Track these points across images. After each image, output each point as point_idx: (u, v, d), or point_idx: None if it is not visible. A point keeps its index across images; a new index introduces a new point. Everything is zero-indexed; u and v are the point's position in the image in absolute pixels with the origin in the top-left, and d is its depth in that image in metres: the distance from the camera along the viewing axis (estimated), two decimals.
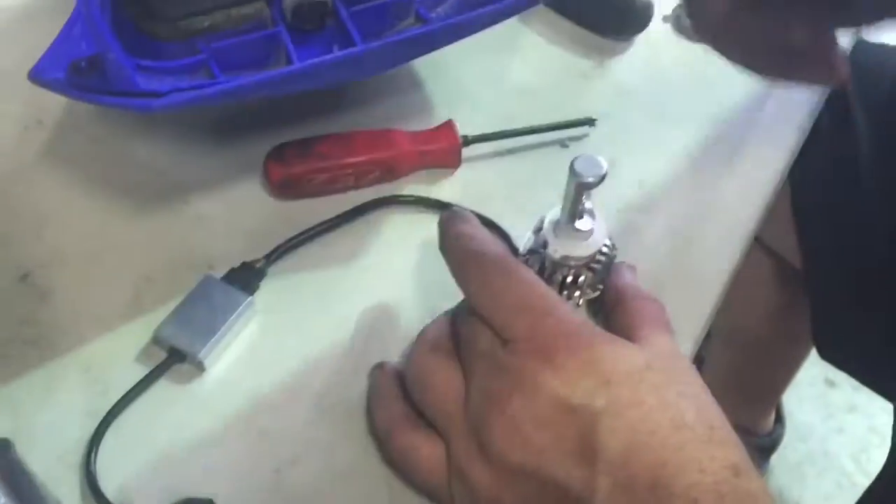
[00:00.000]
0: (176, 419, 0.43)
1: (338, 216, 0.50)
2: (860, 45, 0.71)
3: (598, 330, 0.37)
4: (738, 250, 0.52)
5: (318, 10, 0.51)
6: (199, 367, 0.44)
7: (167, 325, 0.45)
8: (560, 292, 0.44)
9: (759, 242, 0.86)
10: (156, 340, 0.45)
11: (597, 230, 0.43)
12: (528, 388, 0.34)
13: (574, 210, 0.42)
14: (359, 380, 0.44)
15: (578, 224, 0.43)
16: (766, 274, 0.92)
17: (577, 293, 0.44)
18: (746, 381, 1.18)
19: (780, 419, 1.27)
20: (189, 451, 0.42)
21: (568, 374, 0.34)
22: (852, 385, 1.43)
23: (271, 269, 0.48)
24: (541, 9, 0.57)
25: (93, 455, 0.41)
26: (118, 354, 0.45)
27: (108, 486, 0.40)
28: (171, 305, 0.46)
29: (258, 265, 0.48)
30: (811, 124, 0.59)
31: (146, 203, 0.50)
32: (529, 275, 0.38)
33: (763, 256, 0.89)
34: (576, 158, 0.40)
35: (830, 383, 1.45)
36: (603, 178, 0.40)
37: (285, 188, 0.50)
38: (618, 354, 0.35)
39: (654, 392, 0.34)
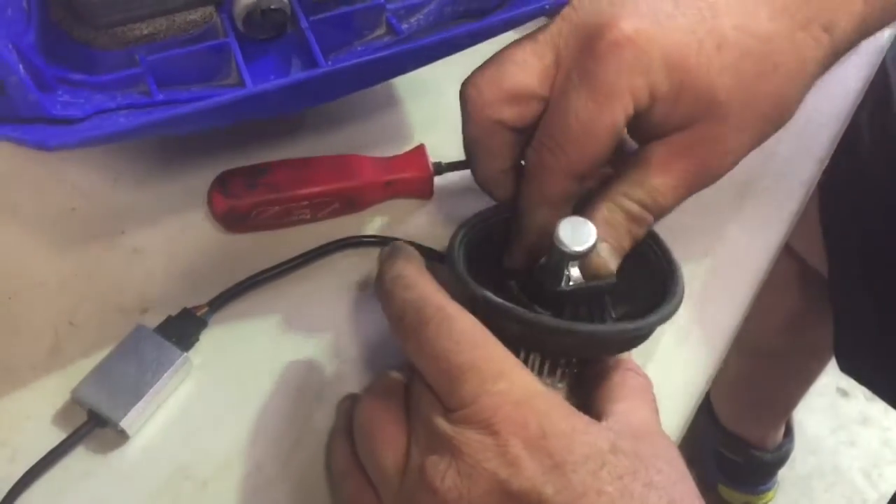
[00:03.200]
0: (92, 495, 0.38)
1: (292, 259, 0.44)
2: None
3: (559, 401, 0.31)
4: (763, 266, 0.48)
5: (274, 19, 0.44)
6: (122, 435, 0.39)
7: (88, 384, 0.39)
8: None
9: (784, 247, 0.82)
10: (75, 400, 0.39)
11: None
12: (466, 466, 0.29)
13: (558, 275, 0.36)
14: (301, 452, 0.39)
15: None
16: (790, 279, 0.89)
17: (559, 370, 0.37)
18: (759, 393, 1.13)
19: (789, 432, 1.22)
20: None
21: (512, 452, 0.29)
22: (866, 395, 1.37)
23: (215, 318, 0.42)
24: None
25: None
26: (31, 414, 0.39)
27: None
28: (98, 357, 0.41)
29: (200, 313, 0.42)
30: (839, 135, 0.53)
31: (72, 234, 0.44)
32: (478, 332, 0.32)
33: (787, 260, 0.84)
34: (560, 221, 0.34)
35: (843, 393, 1.39)
36: (593, 247, 0.34)
37: (232, 222, 0.44)
38: (576, 432, 0.30)
39: (617, 481, 0.29)
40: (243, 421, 0.40)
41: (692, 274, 0.46)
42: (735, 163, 0.37)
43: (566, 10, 0.36)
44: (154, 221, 0.45)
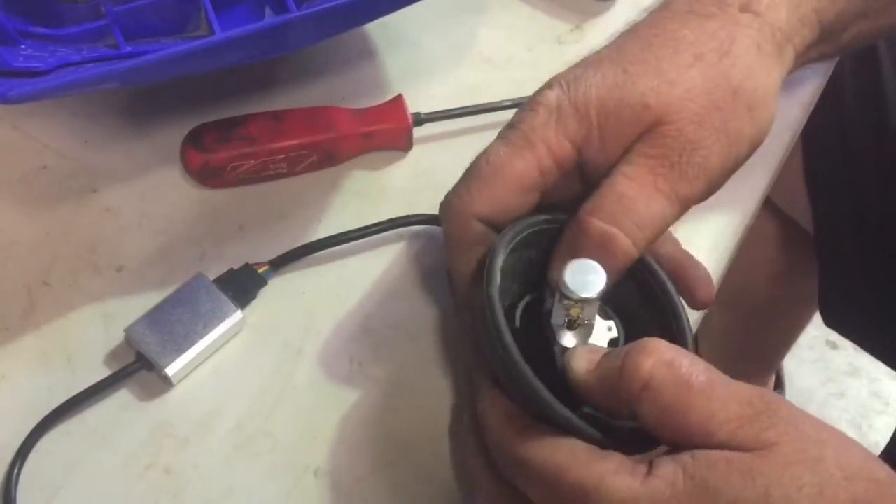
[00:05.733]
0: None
1: (360, 229, 0.43)
2: None
3: None
4: (750, 211, 0.47)
5: None
6: (166, 382, 0.39)
7: (140, 325, 0.39)
8: None
9: (766, 202, 0.82)
10: (127, 339, 0.39)
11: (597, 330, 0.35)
12: None
13: (563, 323, 0.34)
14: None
15: (565, 339, 0.34)
16: (772, 234, 0.88)
17: None
18: (747, 346, 1.13)
19: (780, 384, 1.22)
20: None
21: None
22: (854, 346, 1.38)
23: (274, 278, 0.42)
24: None
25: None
26: (5, 375, 0.39)
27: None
28: (73, 315, 0.40)
29: (261, 271, 0.41)
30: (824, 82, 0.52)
31: (44, 193, 0.43)
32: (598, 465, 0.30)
33: (769, 216, 0.84)
34: (566, 266, 0.32)
35: (832, 345, 1.39)
36: (601, 293, 0.32)
37: (207, 177, 0.43)
38: None
39: None
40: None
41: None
42: (711, 158, 0.35)
43: None
44: (127, 179, 0.44)
